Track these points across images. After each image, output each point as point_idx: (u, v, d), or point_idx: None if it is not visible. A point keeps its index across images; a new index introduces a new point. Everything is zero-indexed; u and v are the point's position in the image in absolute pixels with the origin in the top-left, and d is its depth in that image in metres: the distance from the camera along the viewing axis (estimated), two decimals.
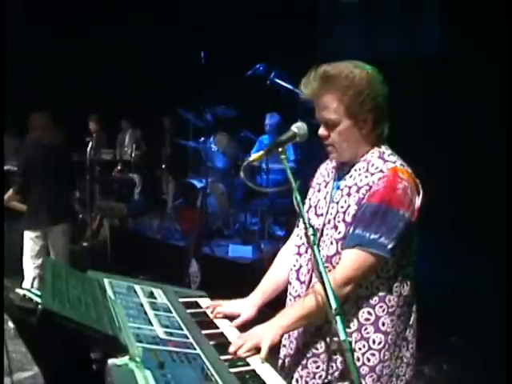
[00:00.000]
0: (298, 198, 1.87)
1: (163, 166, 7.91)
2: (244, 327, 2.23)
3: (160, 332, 1.89)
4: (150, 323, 1.95)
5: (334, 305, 1.54)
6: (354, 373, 1.37)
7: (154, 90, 9.22)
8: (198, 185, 6.98)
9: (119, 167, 8.20)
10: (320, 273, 1.62)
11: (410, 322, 2.18)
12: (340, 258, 2.03)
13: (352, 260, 1.97)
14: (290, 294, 2.26)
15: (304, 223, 1.78)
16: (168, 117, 8.47)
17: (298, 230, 2.31)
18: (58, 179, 5.45)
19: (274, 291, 2.38)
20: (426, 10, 8.02)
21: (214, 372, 1.68)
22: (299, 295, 2.19)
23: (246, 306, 2.31)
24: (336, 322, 1.48)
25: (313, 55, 8.97)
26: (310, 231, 1.74)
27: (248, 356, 1.90)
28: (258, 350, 1.92)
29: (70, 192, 6.01)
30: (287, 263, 2.35)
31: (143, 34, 9.46)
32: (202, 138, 7.12)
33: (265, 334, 1.96)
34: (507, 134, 6.08)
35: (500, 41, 6.55)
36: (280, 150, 1.99)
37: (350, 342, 1.54)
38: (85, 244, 7.60)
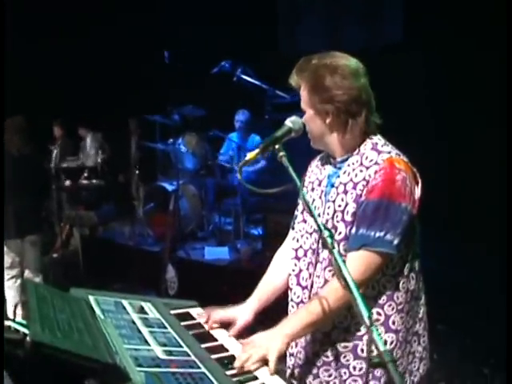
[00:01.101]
0: (306, 197, 1.74)
1: (134, 169, 7.72)
2: (242, 334, 2.12)
3: (159, 352, 1.75)
4: (147, 343, 1.81)
5: (365, 313, 1.40)
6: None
7: (116, 92, 8.99)
8: (169, 188, 6.80)
9: (85, 174, 7.96)
10: (345, 279, 1.48)
11: (420, 316, 2.09)
12: (343, 261, 1.92)
13: (359, 262, 1.86)
14: (292, 300, 2.14)
15: (317, 225, 1.64)
16: (134, 119, 8.28)
17: (294, 233, 2.19)
18: (27, 190, 5.24)
19: (271, 296, 2.26)
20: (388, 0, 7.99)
21: None
22: (302, 301, 2.09)
23: (243, 312, 2.19)
24: (372, 332, 1.34)
25: (275, 48, 8.91)
26: (326, 233, 1.61)
27: (255, 369, 1.78)
28: (264, 361, 1.80)
29: (38, 202, 5.80)
30: (283, 267, 2.24)
31: (105, 34, 9.23)
32: (171, 140, 6.94)
33: (270, 344, 1.83)
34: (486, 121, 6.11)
35: (464, 30, 6.55)
36: (277, 146, 1.86)
37: (391, 352, 1.42)
38: (55, 255, 7.40)
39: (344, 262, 1.57)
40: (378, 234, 1.86)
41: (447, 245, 6.11)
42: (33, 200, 5.49)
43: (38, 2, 9.07)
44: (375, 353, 1.37)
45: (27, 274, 5.51)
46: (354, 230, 1.91)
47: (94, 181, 7.89)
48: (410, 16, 7.58)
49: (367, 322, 1.38)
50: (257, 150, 1.88)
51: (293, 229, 2.23)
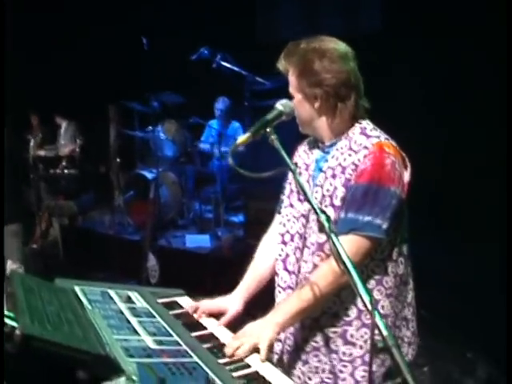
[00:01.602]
0: (301, 181, 1.72)
1: (114, 158, 7.62)
2: (232, 324, 2.10)
3: (149, 342, 1.72)
4: (136, 333, 1.78)
5: (367, 298, 1.38)
6: (405, 368, 1.24)
7: (94, 79, 8.86)
8: (149, 175, 6.74)
9: (63, 163, 7.85)
10: (344, 263, 1.46)
11: (408, 301, 2.09)
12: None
13: (348, 246, 1.81)
14: (279, 285, 2.12)
15: (314, 209, 1.62)
16: (113, 106, 8.17)
17: (281, 217, 2.16)
18: (6, 179, 5.15)
19: (260, 284, 2.24)
20: None
21: (218, 380, 1.54)
22: (289, 286, 2.08)
23: (232, 302, 2.18)
24: (374, 316, 1.32)
25: (254, 36, 8.85)
26: (323, 217, 1.58)
27: (246, 357, 1.76)
28: (255, 349, 1.79)
29: (19, 191, 5.70)
30: (270, 253, 2.22)
31: (82, 21, 9.07)
32: (150, 127, 6.87)
33: (261, 333, 1.82)
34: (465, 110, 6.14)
35: (442, 18, 6.57)
36: (268, 130, 1.83)
37: (395, 337, 1.41)
38: (34, 246, 7.31)
39: (341, 244, 1.55)
40: (366, 218, 1.84)
41: (431, 231, 6.13)
42: (13, 189, 5.41)
43: None
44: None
45: (9, 264, 5.43)
46: (342, 214, 1.89)
47: (72, 170, 7.80)
48: (388, 4, 7.57)
49: (369, 306, 1.36)
50: (248, 134, 1.85)
51: (279, 213, 2.22)
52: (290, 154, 2.20)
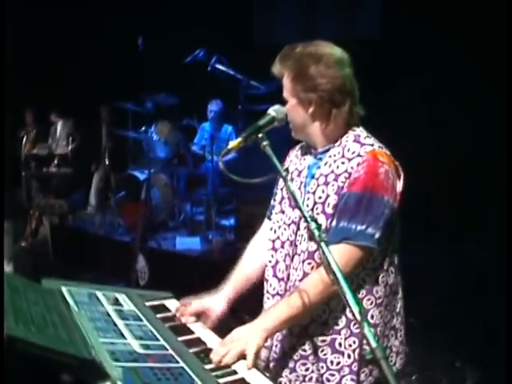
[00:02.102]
0: (292, 188, 1.70)
1: (104, 158, 7.60)
2: (218, 325, 2.09)
3: (136, 345, 1.70)
4: (123, 336, 1.76)
5: (356, 308, 1.36)
6: (394, 382, 1.22)
7: (89, 78, 8.83)
8: (141, 176, 6.72)
9: (56, 162, 7.82)
10: (334, 272, 1.45)
11: (397, 310, 2.09)
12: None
13: (340, 256, 1.80)
14: (268, 291, 2.11)
15: (304, 216, 1.60)
16: (105, 106, 8.15)
17: (271, 223, 2.15)
18: None
19: (245, 286, 2.22)
20: None
21: None
22: (278, 293, 2.06)
23: (217, 302, 2.14)
24: (363, 327, 1.31)
25: (250, 39, 8.84)
26: (313, 225, 1.56)
27: (233, 363, 1.74)
28: (242, 355, 1.76)
29: (10, 189, 5.67)
30: (258, 256, 2.21)
31: (79, 21, 9.05)
32: (143, 128, 6.85)
33: (249, 339, 1.79)
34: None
35: (442, 23, 6.57)
36: (260, 135, 1.82)
37: (384, 349, 1.40)
38: (23, 244, 7.27)
39: (331, 254, 1.53)
40: (359, 228, 1.83)
41: (422, 238, 6.13)
42: (5, 187, 5.38)
43: None
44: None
45: None
46: (334, 223, 1.88)
47: (64, 169, 7.77)
48: (388, 7, 7.57)
49: (358, 316, 1.35)
50: (239, 139, 1.84)
51: (269, 219, 2.21)
52: (282, 159, 2.20)
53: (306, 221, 1.58)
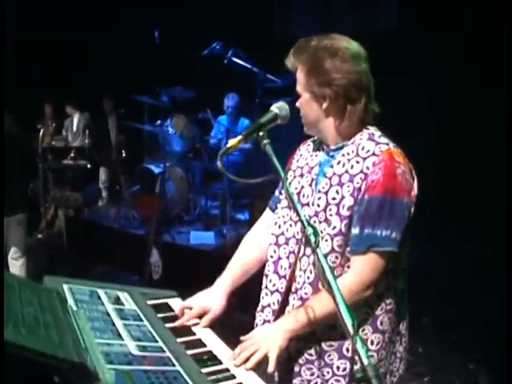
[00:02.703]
0: (290, 190, 1.65)
1: (115, 151, 7.63)
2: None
3: (132, 347, 1.66)
4: (120, 337, 1.72)
5: (349, 322, 1.31)
6: None
7: (106, 72, 8.84)
8: (156, 170, 6.71)
9: (72, 154, 7.83)
10: (328, 282, 1.39)
11: (404, 315, 2.03)
12: (336, 257, 1.85)
13: (368, 263, 1.78)
14: (267, 287, 2.04)
15: (301, 221, 1.55)
16: (108, 99, 8.18)
17: (277, 217, 2.09)
18: (13, 168, 5.12)
19: (243, 277, 2.18)
20: None
21: None
22: (277, 290, 2.00)
23: (216, 300, 2.09)
24: (355, 342, 1.25)
25: (269, 33, 8.78)
26: (310, 230, 1.50)
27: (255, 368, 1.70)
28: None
29: (26, 181, 5.68)
30: (257, 247, 2.17)
31: (96, 13, 9.06)
32: (159, 121, 6.83)
33: (271, 341, 1.75)
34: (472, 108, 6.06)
35: (460, 18, 6.48)
36: (261, 133, 1.77)
37: (376, 366, 1.34)
38: (40, 236, 7.34)
39: (327, 262, 1.47)
40: (384, 233, 1.78)
41: (434, 237, 6.07)
42: (20, 179, 5.38)
43: None
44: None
45: (11, 253, 5.40)
46: (357, 230, 1.81)
47: (81, 161, 7.78)
48: (405, 4, 7.49)
49: (351, 330, 1.29)
50: (239, 137, 1.79)
51: (272, 210, 2.17)
52: (292, 153, 2.15)
53: (303, 225, 1.53)
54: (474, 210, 6.29)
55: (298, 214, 1.59)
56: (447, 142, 6.80)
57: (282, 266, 2.00)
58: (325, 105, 1.87)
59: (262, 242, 2.15)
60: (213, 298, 2.09)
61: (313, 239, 1.49)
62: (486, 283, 5.13)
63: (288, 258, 1.99)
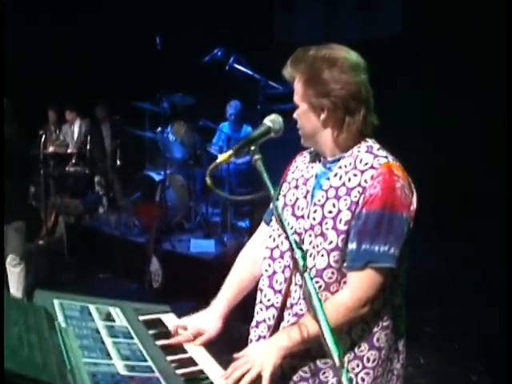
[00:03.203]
0: (280, 209, 1.60)
1: (110, 159, 7.63)
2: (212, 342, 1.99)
3: (120, 367, 1.62)
4: (109, 355, 1.68)
5: (335, 352, 1.26)
6: None
7: (107, 77, 8.83)
8: (157, 177, 6.68)
9: (73, 161, 7.82)
10: (314, 308, 1.35)
11: (401, 332, 1.97)
12: (333, 272, 1.81)
13: (365, 280, 1.74)
14: (261, 302, 2.00)
15: (290, 243, 1.51)
16: (102, 106, 8.16)
17: (271, 230, 2.04)
18: (13, 175, 5.09)
19: (239, 296, 2.13)
20: None
21: None
22: (273, 305, 1.95)
23: (211, 321, 2.04)
24: (341, 374, 1.20)
25: (271, 38, 8.75)
26: (298, 253, 1.46)
27: None
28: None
29: (25, 188, 5.65)
30: (252, 264, 2.12)
31: (97, 19, 9.06)
32: (159, 128, 6.80)
33: (265, 359, 1.70)
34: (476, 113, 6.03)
35: (463, 22, 6.45)
36: (253, 148, 1.72)
37: None
38: (41, 242, 7.32)
39: (315, 287, 1.42)
40: (382, 249, 1.74)
41: (436, 245, 6.03)
42: (18, 186, 5.34)
43: None
44: None
45: (9, 260, 5.37)
46: (354, 245, 1.77)
47: (81, 168, 7.77)
48: (409, 7, 7.45)
49: (337, 362, 1.24)
50: (230, 152, 1.75)
51: (267, 223, 2.12)
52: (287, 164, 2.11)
53: (291, 247, 1.48)
54: (477, 217, 6.24)
55: (287, 235, 1.54)
56: (446, 142, 6.76)
57: (277, 281, 1.96)
58: (323, 116, 1.83)
59: (256, 257, 2.10)
60: (208, 320, 2.04)
61: (301, 263, 1.44)
62: (489, 293, 5.07)
63: (283, 272, 1.95)
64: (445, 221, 6.27)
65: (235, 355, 1.79)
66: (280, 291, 1.94)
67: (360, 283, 1.76)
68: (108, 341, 1.78)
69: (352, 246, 1.77)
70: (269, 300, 1.97)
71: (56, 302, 1.97)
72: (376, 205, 1.74)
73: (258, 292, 2.03)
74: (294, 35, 8.65)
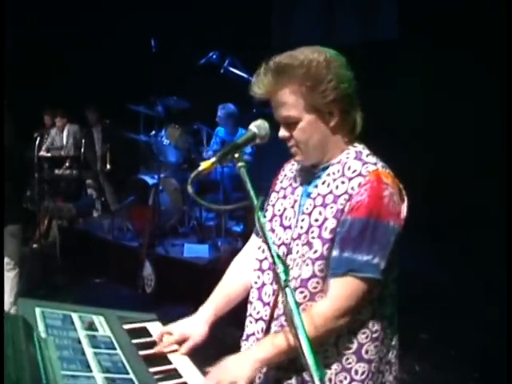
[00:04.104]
0: (262, 220, 1.53)
1: (100, 162, 7.60)
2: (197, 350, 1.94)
3: (99, 379, 1.56)
4: (89, 367, 1.62)
5: (315, 374, 1.20)
6: None
7: (101, 81, 8.79)
8: (150, 181, 6.63)
9: (67, 164, 7.78)
10: (295, 326, 1.29)
11: (393, 343, 1.92)
12: (317, 282, 1.75)
13: (345, 289, 1.68)
14: (251, 315, 1.95)
15: (272, 256, 1.45)
16: (91, 110, 8.13)
17: (260, 241, 1.99)
18: (8, 178, 5.04)
19: (227, 307, 2.08)
20: None
21: None
22: (262, 318, 1.90)
23: (197, 328, 1.99)
24: None
25: (268, 44, 8.71)
26: (280, 268, 1.40)
27: None
28: None
29: (21, 192, 5.59)
30: (242, 275, 2.07)
31: (92, 22, 9.02)
32: (153, 132, 6.75)
33: (240, 372, 1.64)
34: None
35: (461, 26, 6.42)
36: (237, 155, 1.66)
37: None
38: (34, 246, 7.28)
39: (298, 304, 1.36)
40: (365, 258, 1.68)
41: (432, 251, 5.98)
42: (15, 188, 5.29)
43: None
44: None
45: (4, 264, 5.31)
46: (336, 253, 1.71)
47: (75, 172, 7.73)
48: (406, 11, 7.42)
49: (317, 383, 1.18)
50: (213, 159, 1.69)
51: (257, 235, 2.06)
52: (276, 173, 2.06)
53: (274, 261, 1.42)
54: (473, 222, 6.19)
55: (270, 249, 1.48)
56: (445, 146, 6.72)
57: (266, 293, 1.91)
58: (333, 121, 1.76)
59: (247, 268, 2.05)
60: (194, 326, 1.99)
61: (282, 277, 1.39)
62: (487, 297, 5.03)
63: (272, 284, 1.89)
64: (442, 227, 6.23)
65: (208, 369, 1.73)
66: (269, 303, 1.89)
67: (340, 292, 1.71)
68: (89, 352, 1.72)
69: (335, 253, 1.72)
70: (258, 313, 1.92)
71: (38, 311, 1.92)
72: (361, 212, 1.69)
73: (248, 305, 1.98)
74: (291, 41, 8.60)
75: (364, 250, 1.67)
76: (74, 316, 1.98)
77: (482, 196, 6.05)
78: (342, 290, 1.68)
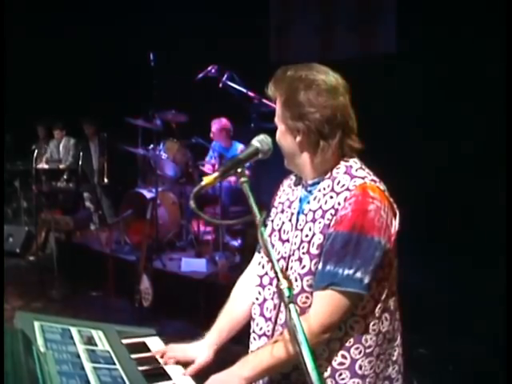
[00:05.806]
0: (265, 235, 1.53)
1: (97, 176, 7.60)
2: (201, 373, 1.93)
3: None
4: (88, 382, 1.62)
5: None
6: None
7: (98, 93, 8.80)
8: (148, 195, 6.62)
9: (65, 177, 7.77)
10: (298, 342, 1.28)
11: (394, 358, 1.89)
12: (307, 297, 1.75)
13: (326, 303, 1.67)
14: (254, 331, 1.94)
15: (275, 272, 1.44)
16: (88, 124, 8.14)
17: (260, 257, 1.99)
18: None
19: (233, 329, 2.07)
20: (383, 9, 7.81)
21: None
22: (264, 334, 1.89)
23: (201, 349, 1.99)
24: None
25: (266, 59, 8.74)
26: (284, 284, 1.39)
27: None
28: None
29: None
30: (246, 295, 2.05)
31: (89, 33, 9.05)
32: (151, 145, 6.75)
33: None
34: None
35: (459, 40, 6.44)
36: (239, 170, 1.67)
37: None
38: (31, 258, 7.26)
39: (300, 321, 1.36)
40: (346, 272, 1.66)
41: (431, 265, 5.96)
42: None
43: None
44: None
45: None
46: (320, 266, 1.71)
47: (72, 184, 7.72)
48: (405, 25, 7.45)
49: None
50: (215, 174, 1.70)
51: (258, 252, 2.06)
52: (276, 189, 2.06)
53: (277, 278, 1.42)
54: (474, 237, 6.18)
55: (273, 265, 1.48)
56: (444, 160, 6.72)
57: (267, 308, 1.90)
58: (298, 138, 1.79)
59: (251, 289, 2.03)
60: (198, 349, 2.00)
61: (286, 293, 1.38)
62: (485, 312, 5.01)
63: (273, 299, 1.89)
64: (442, 241, 6.23)
65: None
66: (270, 319, 1.89)
67: (322, 307, 1.70)
68: (88, 366, 1.72)
69: (319, 266, 1.72)
70: (261, 329, 1.92)
71: (36, 325, 1.92)
72: (344, 226, 1.68)
73: (251, 321, 1.98)
74: (289, 57, 8.62)
75: (346, 263, 1.67)
76: (73, 330, 1.98)
77: (487, 211, 6.04)
78: (325, 304, 1.68)
